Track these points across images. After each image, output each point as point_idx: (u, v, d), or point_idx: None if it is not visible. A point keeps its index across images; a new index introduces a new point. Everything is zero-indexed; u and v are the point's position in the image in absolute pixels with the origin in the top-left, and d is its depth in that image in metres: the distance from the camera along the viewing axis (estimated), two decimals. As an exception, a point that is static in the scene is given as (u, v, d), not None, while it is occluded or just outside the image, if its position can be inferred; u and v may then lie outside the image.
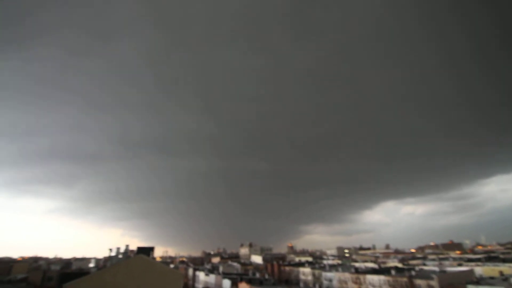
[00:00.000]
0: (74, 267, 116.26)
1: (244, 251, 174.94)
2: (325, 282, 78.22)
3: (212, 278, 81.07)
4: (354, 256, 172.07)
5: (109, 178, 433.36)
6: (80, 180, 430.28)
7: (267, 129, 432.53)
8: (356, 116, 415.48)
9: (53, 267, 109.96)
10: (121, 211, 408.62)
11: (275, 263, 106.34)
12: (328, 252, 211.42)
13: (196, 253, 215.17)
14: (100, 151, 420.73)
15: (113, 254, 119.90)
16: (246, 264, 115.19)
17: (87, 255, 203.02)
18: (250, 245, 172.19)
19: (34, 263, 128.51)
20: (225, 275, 79.36)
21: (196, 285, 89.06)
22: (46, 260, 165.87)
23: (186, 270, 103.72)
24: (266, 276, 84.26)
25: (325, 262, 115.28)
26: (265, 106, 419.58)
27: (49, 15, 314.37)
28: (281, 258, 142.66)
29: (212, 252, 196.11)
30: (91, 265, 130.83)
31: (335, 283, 75.34)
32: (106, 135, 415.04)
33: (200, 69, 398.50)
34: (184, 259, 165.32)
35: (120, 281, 29.04)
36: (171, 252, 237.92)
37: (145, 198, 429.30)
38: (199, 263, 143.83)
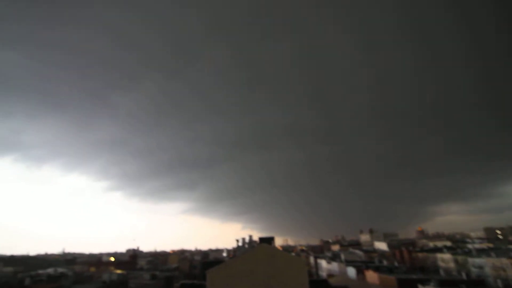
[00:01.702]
0: (211, 257, 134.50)
1: (364, 237, 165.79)
2: (474, 270, 65.37)
3: (334, 265, 79.50)
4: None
5: (222, 179, 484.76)
6: (199, 184, 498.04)
7: (387, 110, 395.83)
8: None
9: (195, 258, 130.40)
10: (237, 207, 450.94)
11: (404, 249, 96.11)
12: (473, 234, 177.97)
13: (314, 241, 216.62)
14: (212, 155, 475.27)
15: (240, 244, 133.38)
16: (370, 251, 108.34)
17: (219, 246, 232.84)
18: (371, 231, 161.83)
19: (181, 254, 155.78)
20: (348, 262, 76.53)
21: (319, 272, 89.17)
22: (190, 252, 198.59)
23: (307, 258, 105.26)
24: (396, 264, 77.01)
25: (470, 246, 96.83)
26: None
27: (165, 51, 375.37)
28: (410, 243, 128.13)
29: (330, 240, 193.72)
30: (224, 254, 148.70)
31: (488, 270, 62.04)
32: (216, 141, 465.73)
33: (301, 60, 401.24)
34: (304, 248, 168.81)
35: (249, 268, 31.03)
36: (290, 241, 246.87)
37: (257, 192, 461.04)
38: (318, 251, 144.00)
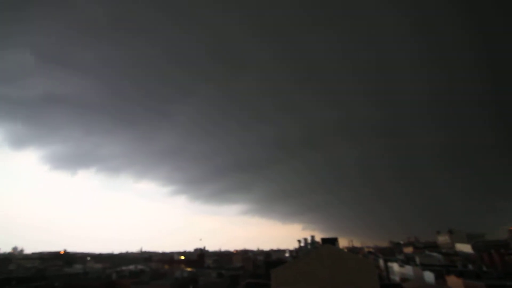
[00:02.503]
0: (273, 257, 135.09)
1: (443, 239, 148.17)
2: None
3: (409, 269, 72.56)
4: None
5: (278, 180, 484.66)
6: (255, 185, 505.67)
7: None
8: None
9: (258, 257, 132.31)
10: (297, 207, 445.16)
11: (494, 252, 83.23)
12: None
13: (383, 243, 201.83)
14: (265, 157, 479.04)
15: (302, 245, 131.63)
16: (450, 254, 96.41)
17: (281, 247, 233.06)
18: (451, 232, 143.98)
19: (244, 254, 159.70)
20: (425, 266, 69.15)
21: (391, 276, 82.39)
22: (253, 252, 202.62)
23: (376, 260, 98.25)
24: (484, 268, 66.97)
25: None
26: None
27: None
28: (502, 245, 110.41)
29: (402, 242, 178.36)
30: (287, 254, 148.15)
31: None
32: (264, 143, 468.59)
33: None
34: (371, 250, 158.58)
35: (313, 269, 29.94)
36: (356, 242, 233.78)
37: (317, 192, 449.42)
38: (388, 253, 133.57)
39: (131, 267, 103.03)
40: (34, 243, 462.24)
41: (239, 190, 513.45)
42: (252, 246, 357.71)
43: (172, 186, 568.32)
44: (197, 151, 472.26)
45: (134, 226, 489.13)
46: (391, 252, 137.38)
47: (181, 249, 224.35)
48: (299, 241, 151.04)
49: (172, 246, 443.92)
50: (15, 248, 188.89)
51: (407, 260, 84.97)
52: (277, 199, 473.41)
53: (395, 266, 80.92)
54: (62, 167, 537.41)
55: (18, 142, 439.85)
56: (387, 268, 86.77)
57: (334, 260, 30.63)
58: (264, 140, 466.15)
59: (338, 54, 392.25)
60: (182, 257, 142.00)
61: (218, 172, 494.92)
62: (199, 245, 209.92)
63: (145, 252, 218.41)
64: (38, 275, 75.46)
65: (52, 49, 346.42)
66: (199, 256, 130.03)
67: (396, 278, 75.52)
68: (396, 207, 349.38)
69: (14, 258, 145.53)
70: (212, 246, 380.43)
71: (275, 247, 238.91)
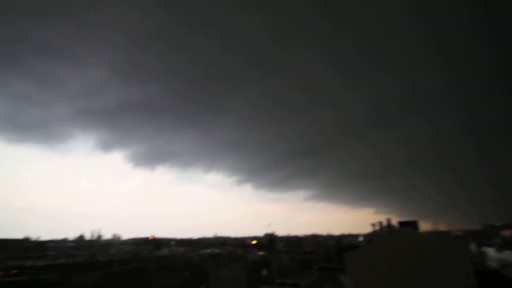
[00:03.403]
0: (345, 242, 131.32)
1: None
2: None
3: (508, 254, 62.70)
4: None
5: (341, 164, 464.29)
6: (319, 170, 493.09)
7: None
8: None
9: (329, 242, 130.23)
10: (363, 191, 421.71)
11: None
12: None
13: (474, 225, 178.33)
14: (328, 141, 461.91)
15: (376, 229, 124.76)
16: None
17: (352, 232, 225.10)
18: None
19: (314, 239, 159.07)
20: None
21: (485, 262, 72.40)
22: (322, 237, 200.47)
23: (466, 245, 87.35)
24: None
25: None
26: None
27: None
28: None
29: (498, 224, 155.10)
30: (360, 239, 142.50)
31: None
32: (327, 126, 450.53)
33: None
34: (459, 233, 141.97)
35: (391, 254, 27.73)
36: (441, 226, 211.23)
37: (389, 175, 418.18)
38: (481, 237, 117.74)
39: (209, 250, 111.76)
40: (128, 230, 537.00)
41: (303, 176, 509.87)
42: (321, 231, 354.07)
43: (237, 176, 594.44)
44: (259, 140, 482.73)
45: (208, 214, 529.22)
46: (485, 236, 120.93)
47: (252, 234, 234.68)
48: (373, 224, 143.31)
49: (243, 232, 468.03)
50: (114, 235, 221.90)
51: (505, 244, 73.54)
52: (343, 183, 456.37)
53: (491, 251, 70.90)
54: (143, 164, 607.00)
55: (106, 146, 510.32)
56: (481, 253, 76.60)
57: (416, 244, 27.87)
58: (327, 123, 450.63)
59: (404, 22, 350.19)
60: (254, 242, 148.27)
61: (281, 160, 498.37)
62: (268, 231, 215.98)
63: (220, 237, 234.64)
64: (134, 257, 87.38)
65: (121, 63, 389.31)
66: (270, 241, 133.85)
67: (493, 264, 66.08)
68: (491, 185, 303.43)
69: (114, 244, 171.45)
70: (280, 231, 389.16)
71: (345, 232, 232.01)
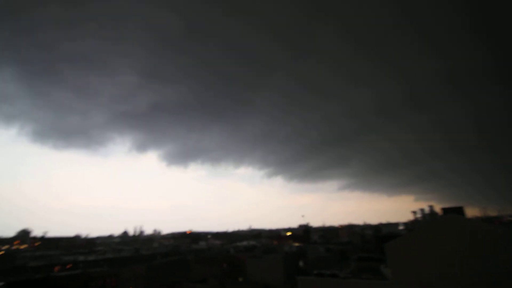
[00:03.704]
0: (384, 231, 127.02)
1: None
2: None
3: None
4: None
5: (375, 151, 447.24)
6: (351, 159, 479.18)
7: None
8: None
9: (366, 232, 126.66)
10: (401, 178, 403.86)
11: None
12: None
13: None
14: (361, 127, 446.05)
15: (418, 216, 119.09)
16: None
17: (390, 220, 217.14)
18: None
19: (350, 229, 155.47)
20: None
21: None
22: (359, 226, 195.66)
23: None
24: None
25: None
26: None
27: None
28: None
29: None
30: (401, 227, 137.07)
31: None
32: (359, 112, 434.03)
33: None
34: None
35: (436, 243, 26.09)
36: (491, 211, 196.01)
37: (428, 159, 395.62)
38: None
39: (244, 243, 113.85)
40: (167, 225, 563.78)
41: (336, 165, 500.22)
42: (357, 220, 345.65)
43: (267, 169, 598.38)
44: (288, 131, 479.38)
45: (241, 207, 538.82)
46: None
47: (286, 226, 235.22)
48: (414, 212, 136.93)
49: (277, 224, 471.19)
50: (155, 231, 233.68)
51: None
52: (379, 171, 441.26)
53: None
54: (176, 162, 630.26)
55: (142, 146, 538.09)
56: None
57: (464, 231, 25.94)
58: (360, 107, 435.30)
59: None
60: (289, 233, 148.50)
61: (311, 150, 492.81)
62: (303, 222, 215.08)
63: (254, 230, 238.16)
64: (174, 250, 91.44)
65: (151, 66, 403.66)
66: (305, 232, 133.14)
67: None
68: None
69: (155, 238, 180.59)
70: (315, 222, 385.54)
71: (383, 221, 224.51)
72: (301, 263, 56.64)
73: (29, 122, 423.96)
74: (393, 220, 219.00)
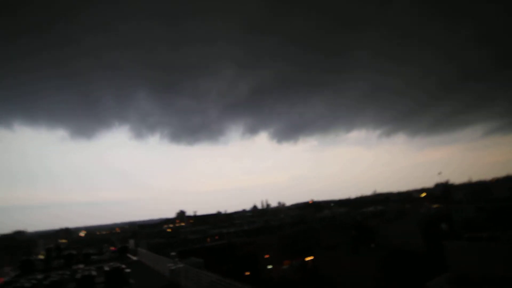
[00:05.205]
0: None
1: None
2: None
3: None
4: None
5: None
6: (494, 94, 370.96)
7: None
8: None
9: None
10: None
11: None
12: None
13: None
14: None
15: None
16: None
17: None
18: None
19: (510, 182, 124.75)
20: None
21: None
22: None
23: None
24: None
25: None
26: None
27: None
28: None
29: None
30: None
31: None
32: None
33: None
34: None
35: None
36: None
37: None
38: None
39: (371, 208, 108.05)
40: (289, 197, 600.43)
41: (474, 107, 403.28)
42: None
43: (384, 127, 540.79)
44: (398, 82, 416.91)
45: (361, 172, 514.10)
46: None
47: (418, 187, 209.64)
48: None
49: (406, 185, 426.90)
50: (279, 203, 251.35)
51: None
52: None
53: None
54: (285, 138, 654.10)
55: (253, 129, 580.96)
56: None
57: None
58: (500, 30, 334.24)
59: None
60: (423, 194, 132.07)
61: (436, 94, 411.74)
62: (440, 180, 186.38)
63: (380, 194, 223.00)
64: (300, 220, 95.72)
65: (243, 59, 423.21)
66: (444, 191, 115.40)
67: None
68: None
69: (281, 210, 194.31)
70: (456, 178, 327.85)
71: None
72: (444, 226, 49.29)
73: (166, 127, 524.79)
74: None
